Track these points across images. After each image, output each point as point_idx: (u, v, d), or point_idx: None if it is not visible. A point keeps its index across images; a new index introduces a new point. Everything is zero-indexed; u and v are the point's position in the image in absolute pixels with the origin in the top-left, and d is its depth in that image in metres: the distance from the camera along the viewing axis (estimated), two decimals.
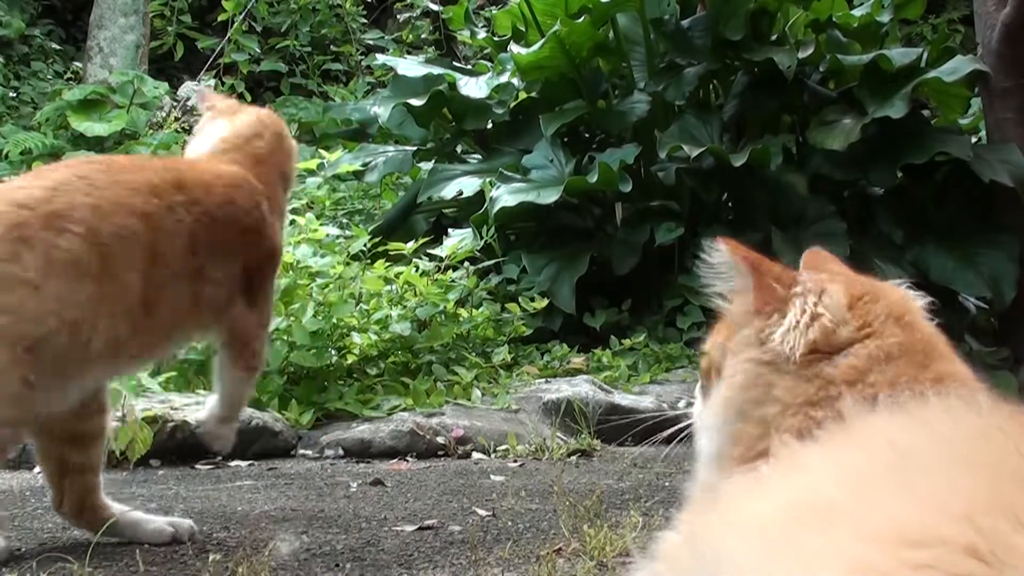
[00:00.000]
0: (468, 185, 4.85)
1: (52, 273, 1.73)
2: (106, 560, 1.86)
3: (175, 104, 7.82)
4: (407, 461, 3.05)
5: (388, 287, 3.89)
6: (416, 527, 2.16)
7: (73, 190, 1.80)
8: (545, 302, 4.27)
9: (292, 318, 3.34)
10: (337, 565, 1.86)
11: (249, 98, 9.04)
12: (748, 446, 1.15)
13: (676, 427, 1.44)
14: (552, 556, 1.83)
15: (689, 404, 1.42)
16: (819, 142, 4.51)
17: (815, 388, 1.15)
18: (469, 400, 3.48)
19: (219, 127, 2.20)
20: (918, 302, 1.28)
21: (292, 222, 4.04)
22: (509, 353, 3.93)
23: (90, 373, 1.88)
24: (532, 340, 4.22)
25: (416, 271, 3.99)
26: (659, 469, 2.89)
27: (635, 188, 4.64)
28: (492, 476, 2.80)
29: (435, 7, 9.10)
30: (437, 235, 4.79)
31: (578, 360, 4.00)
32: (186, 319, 1.99)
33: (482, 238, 4.48)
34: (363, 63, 9.57)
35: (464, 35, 6.74)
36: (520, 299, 4.26)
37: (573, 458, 3.08)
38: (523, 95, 5.28)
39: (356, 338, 3.52)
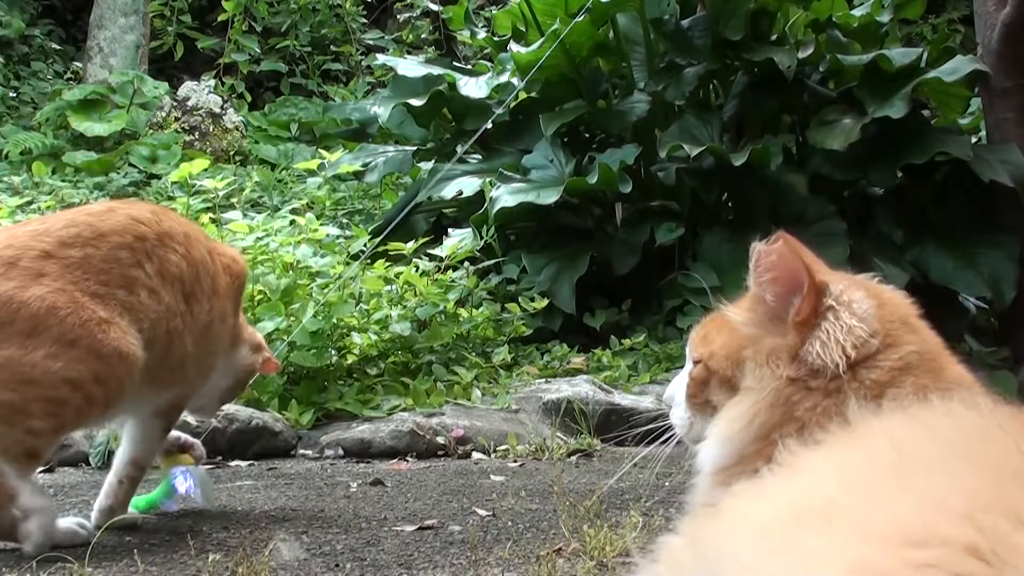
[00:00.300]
0: (468, 185, 4.85)
1: (165, 283, 1.96)
2: (106, 560, 1.86)
3: (175, 104, 7.82)
4: (407, 461, 3.05)
5: (388, 287, 3.89)
6: (416, 527, 2.16)
7: (169, 218, 2.05)
8: (545, 302, 4.27)
9: (292, 318, 3.34)
10: (337, 565, 1.86)
11: (249, 98, 9.05)
12: (762, 460, 1.14)
13: (649, 428, 1.43)
14: (552, 556, 1.83)
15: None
16: (819, 142, 4.51)
17: (836, 403, 1.13)
18: (469, 400, 3.48)
19: None
20: (905, 298, 1.27)
21: (292, 222, 4.04)
22: (509, 353, 3.93)
23: (157, 391, 2.04)
24: (532, 340, 4.22)
25: (416, 271, 3.98)
26: (659, 469, 2.89)
27: (635, 188, 4.64)
28: (492, 476, 2.80)
29: (435, 7, 9.10)
30: (437, 235, 4.79)
31: (578, 360, 3.99)
32: (219, 354, 2.16)
33: (482, 238, 4.48)
34: (363, 63, 9.57)
35: (464, 35, 6.74)
36: (520, 299, 4.26)
37: (573, 458, 3.08)
38: (523, 95, 5.27)
39: (356, 338, 3.52)
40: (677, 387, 1.37)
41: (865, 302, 1.18)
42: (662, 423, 1.44)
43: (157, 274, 1.94)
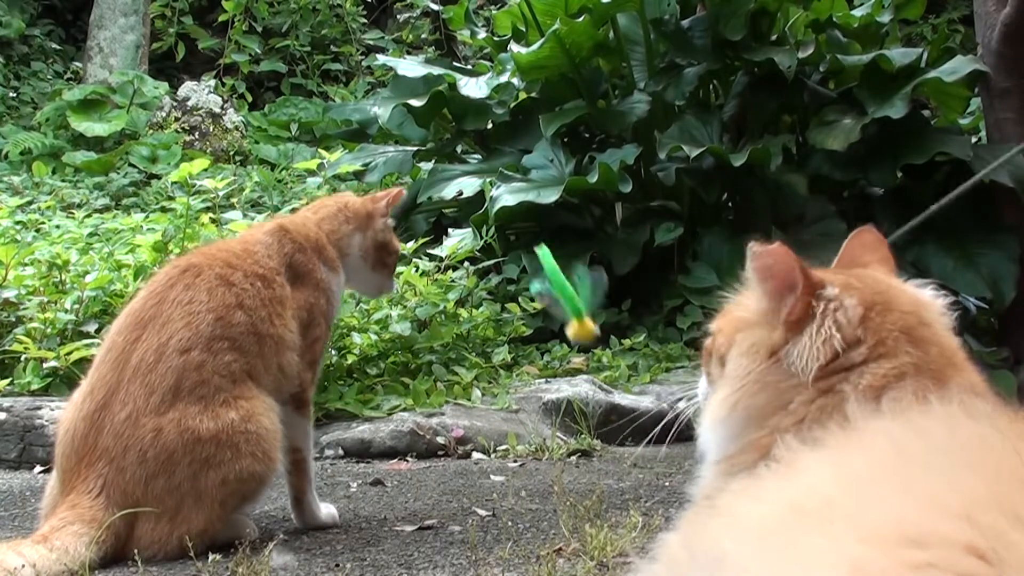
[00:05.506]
0: (468, 185, 4.85)
1: (265, 345, 2.10)
2: (105, 560, 1.86)
3: (175, 104, 7.82)
4: (407, 461, 3.05)
5: None
6: (416, 527, 2.16)
7: (229, 286, 2.11)
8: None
9: None
10: (337, 565, 1.86)
11: (249, 98, 9.05)
12: (760, 453, 1.13)
13: (674, 419, 1.43)
14: (552, 556, 1.83)
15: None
16: (819, 142, 4.51)
17: (835, 401, 1.13)
18: (469, 400, 3.47)
19: None
20: (935, 303, 1.26)
21: None
22: (509, 353, 3.92)
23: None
24: (532, 340, 4.22)
25: (416, 271, 3.98)
26: (659, 469, 2.89)
27: (635, 188, 4.64)
28: (492, 476, 2.80)
29: (435, 7, 9.11)
30: (437, 235, 4.79)
31: (578, 360, 3.99)
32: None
33: (482, 238, 4.48)
34: (363, 63, 9.58)
35: (464, 35, 6.75)
36: (520, 299, 4.26)
37: (573, 458, 3.08)
38: (523, 95, 5.27)
39: (356, 338, 3.52)
40: None
41: (853, 310, 1.17)
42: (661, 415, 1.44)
43: (257, 353, 2.05)
